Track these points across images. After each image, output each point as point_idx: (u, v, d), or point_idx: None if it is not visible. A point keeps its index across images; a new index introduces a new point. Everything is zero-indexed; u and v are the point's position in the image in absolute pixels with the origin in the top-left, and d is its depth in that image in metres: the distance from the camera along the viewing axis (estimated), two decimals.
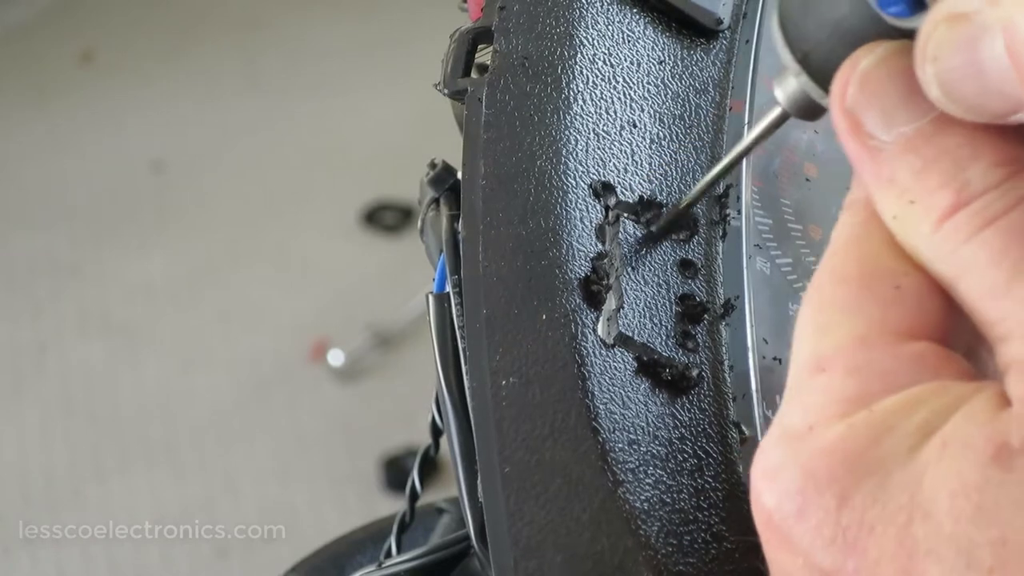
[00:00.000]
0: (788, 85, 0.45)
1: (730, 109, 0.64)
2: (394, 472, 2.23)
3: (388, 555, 0.68)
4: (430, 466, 0.69)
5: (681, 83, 0.63)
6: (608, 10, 0.62)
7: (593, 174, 0.58)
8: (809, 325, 0.40)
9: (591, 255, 0.56)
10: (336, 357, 2.43)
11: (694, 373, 0.55)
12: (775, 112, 0.49)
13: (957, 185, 0.37)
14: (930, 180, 0.38)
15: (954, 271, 0.37)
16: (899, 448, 0.36)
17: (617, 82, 0.61)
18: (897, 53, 0.39)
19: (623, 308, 0.55)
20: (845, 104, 0.40)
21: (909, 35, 0.39)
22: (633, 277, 0.56)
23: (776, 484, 0.38)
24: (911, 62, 0.39)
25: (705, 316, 0.57)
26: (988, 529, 0.34)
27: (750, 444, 0.55)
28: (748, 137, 0.52)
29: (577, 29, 0.61)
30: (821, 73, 0.42)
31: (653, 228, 0.58)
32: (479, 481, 0.53)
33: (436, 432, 0.64)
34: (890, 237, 0.39)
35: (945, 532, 0.34)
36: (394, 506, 0.75)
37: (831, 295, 0.40)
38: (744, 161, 0.62)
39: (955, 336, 0.39)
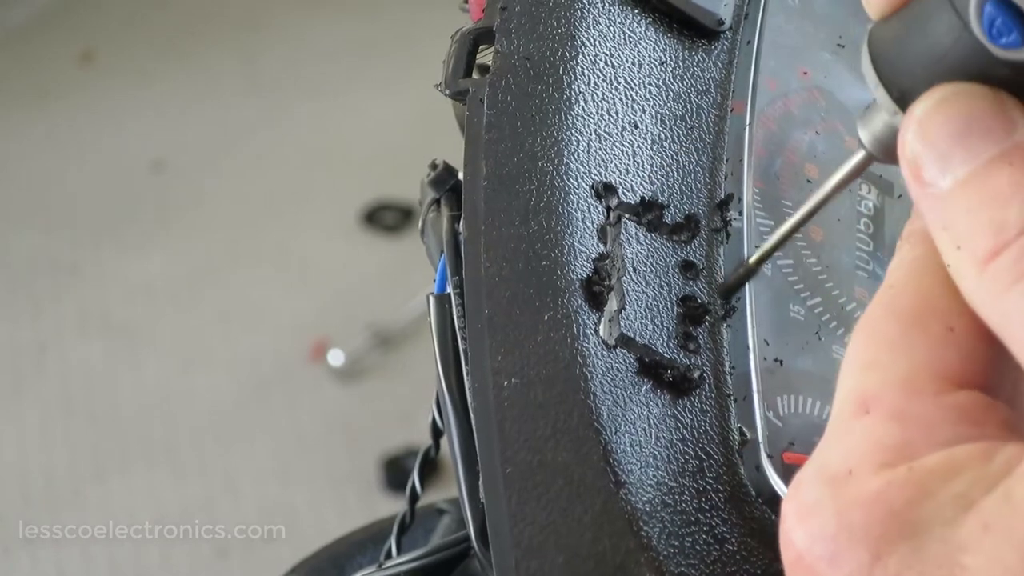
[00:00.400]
0: (875, 125, 0.43)
1: (731, 110, 0.64)
2: (394, 472, 2.23)
3: (388, 556, 0.68)
4: (430, 467, 0.69)
5: (682, 84, 0.63)
6: (609, 11, 0.62)
7: (595, 175, 0.58)
8: (857, 359, 0.39)
9: (593, 256, 0.56)
10: (336, 357, 2.43)
11: (695, 375, 0.55)
12: (858, 157, 0.47)
13: (996, 226, 0.36)
14: (973, 222, 0.37)
15: (1000, 319, 0.37)
16: (937, 517, 0.36)
17: (619, 83, 0.61)
18: (955, 93, 0.39)
19: (625, 309, 0.55)
20: (906, 153, 0.39)
21: (1021, 70, 0.38)
22: (635, 278, 0.56)
23: (810, 525, 0.37)
24: (973, 102, 0.38)
25: (707, 317, 0.57)
26: None
27: (751, 446, 0.55)
28: (828, 185, 0.50)
29: (579, 30, 0.61)
30: None
31: (715, 293, 0.57)
32: (480, 482, 0.53)
33: (436, 433, 0.64)
34: (947, 276, 0.39)
35: None
36: (394, 506, 0.75)
37: (882, 330, 0.39)
38: (746, 163, 0.62)
39: (1002, 381, 0.38)
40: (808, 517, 0.38)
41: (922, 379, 0.38)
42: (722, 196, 0.61)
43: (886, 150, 0.43)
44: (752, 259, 0.57)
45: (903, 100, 0.41)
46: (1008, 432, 0.37)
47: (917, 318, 0.39)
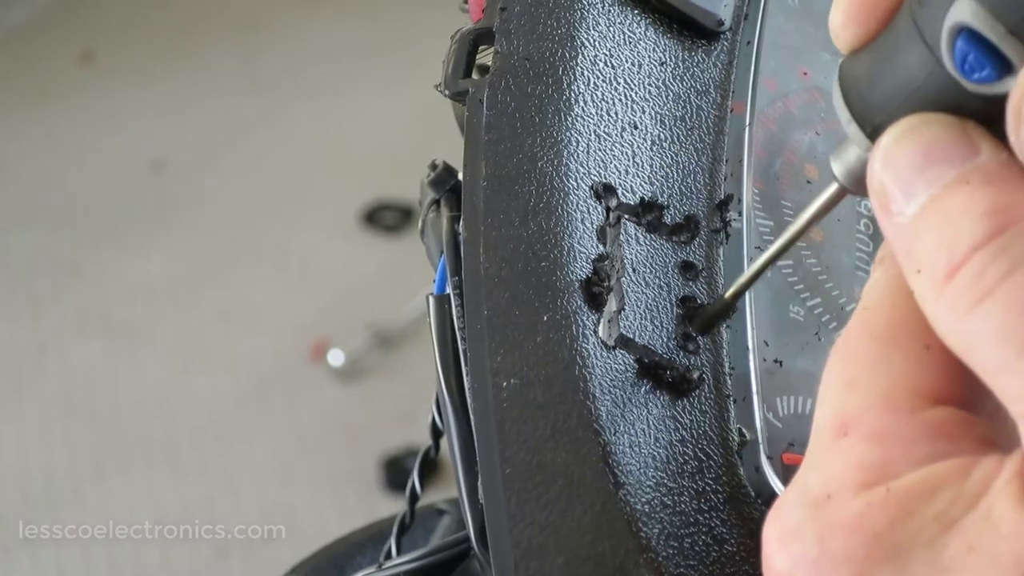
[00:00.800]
0: (848, 158, 0.43)
1: (731, 111, 0.64)
2: (394, 472, 2.23)
3: (388, 556, 0.68)
4: (430, 467, 0.69)
5: (682, 85, 0.63)
6: (609, 11, 0.62)
7: (594, 176, 0.58)
8: (834, 381, 0.39)
9: (592, 257, 0.56)
10: (336, 357, 2.43)
11: (695, 375, 0.55)
12: (831, 189, 0.47)
13: (947, 245, 0.36)
14: (930, 245, 0.37)
15: (964, 345, 0.36)
16: (919, 538, 0.36)
17: (618, 83, 0.61)
18: (917, 124, 0.39)
19: (624, 310, 0.55)
20: (873, 186, 0.39)
21: (993, 101, 0.37)
22: (634, 279, 0.56)
23: (791, 549, 0.37)
24: (932, 130, 0.38)
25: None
26: None
27: (751, 447, 0.55)
28: (803, 217, 0.50)
29: (578, 30, 0.60)
30: None
31: (691, 328, 0.56)
32: (480, 482, 0.53)
33: (436, 433, 0.64)
34: None
35: None
36: (394, 506, 0.75)
37: (859, 350, 0.39)
38: (745, 163, 0.62)
39: (978, 396, 0.38)
40: (790, 541, 0.38)
41: (899, 397, 0.38)
42: (722, 196, 0.61)
43: (859, 184, 0.43)
44: (728, 294, 0.56)
45: (876, 135, 0.41)
46: (985, 446, 0.37)
47: (893, 337, 0.39)
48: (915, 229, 0.38)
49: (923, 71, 0.39)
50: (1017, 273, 0.35)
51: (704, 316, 0.57)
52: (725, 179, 0.61)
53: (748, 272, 0.55)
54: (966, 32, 0.37)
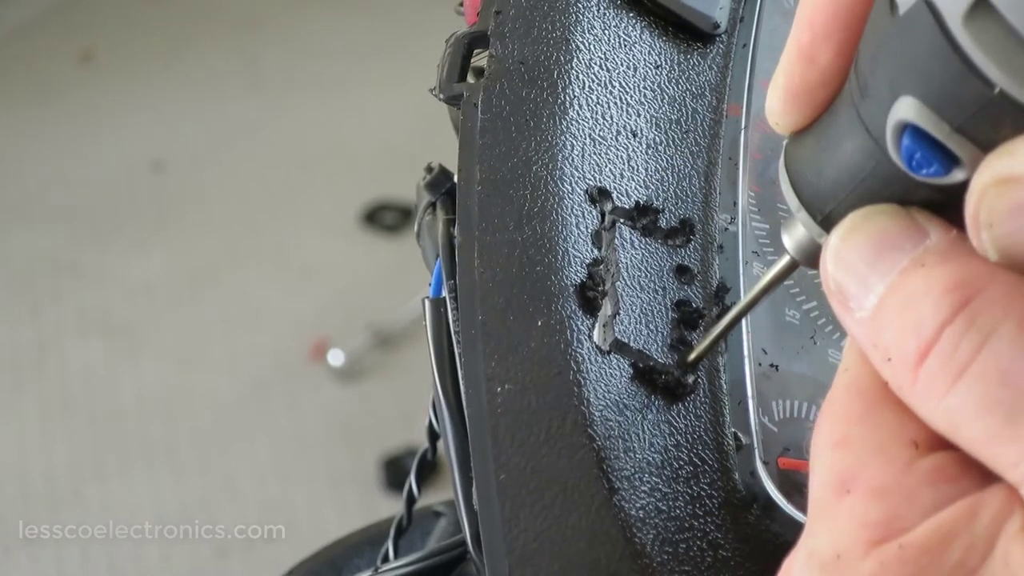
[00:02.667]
0: (796, 232, 0.44)
1: (727, 114, 0.63)
2: (394, 472, 2.23)
3: (385, 559, 0.68)
4: (428, 469, 0.69)
5: (678, 87, 0.63)
6: (604, 14, 0.62)
7: (589, 179, 0.57)
8: (826, 440, 0.39)
9: (587, 261, 0.55)
10: (336, 357, 2.43)
11: (690, 380, 0.55)
12: (783, 261, 0.47)
13: (913, 325, 0.36)
14: (895, 331, 0.37)
15: (948, 424, 0.36)
16: None
17: (613, 87, 0.60)
18: (863, 218, 0.39)
19: (619, 314, 0.55)
20: (830, 287, 0.39)
21: (942, 188, 0.37)
22: (629, 283, 0.56)
23: None
24: (879, 221, 0.38)
25: (701, 322, 0.57)
26: None
27: (746, 451, 0.55)
28: (757, 287, 0.51)
29: (573, 34, 0.60)
30: None
31: (666, 381, 0.56)
32: (474, 488, 0.53)
33: (433, 436, 0.64)
34: None
35: None
36: (394, 506, 0.75)
37: (846, 409, 0.39)
38: (741, 167, 0.62)
39: None
40: None
41: (894, 449, 0.38)
42: (717, 199, 0.61)
43: (810, 259, 0.44)
44: (690, 358, 0.56)
45: (827, 223, 0.41)
46: (986, 479, 0.37)
47: (879, 393, 0.39)
48: (878, 320, 0.38)
49: (870, 161, 0.39)
50: (990, 343, 0.35)
51: (670, 380, 0.56)
52: (720, 186, 0.61)
53: (708, 338, 0.56)
54: (911, 129, 0.37)
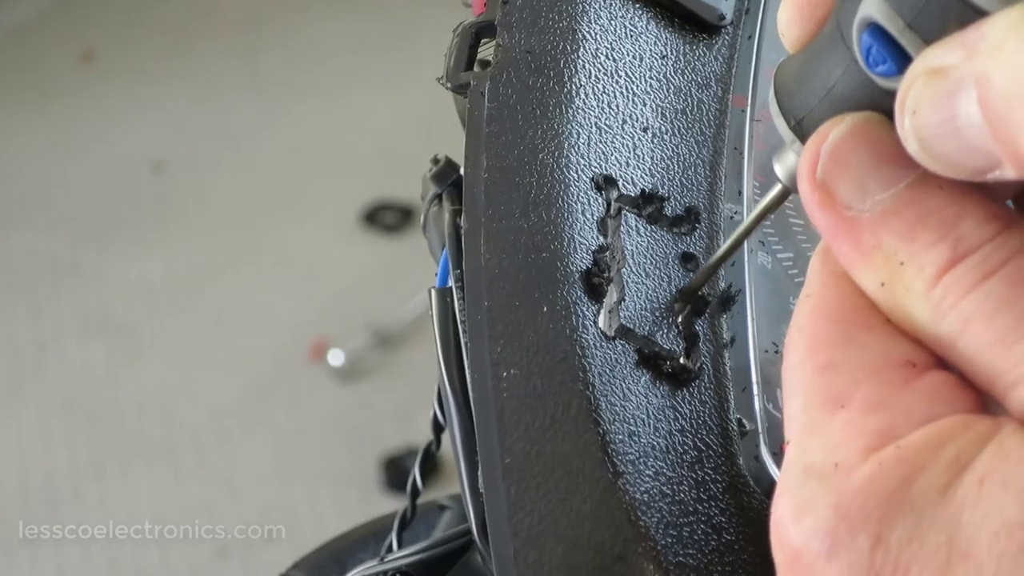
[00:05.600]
0: (787, 160, 0.45)
1: (732, 104, 0.64)
2: (394, 472, 2.24)
3: (389, 551, 0.68)
4: (431, 463, 0.69)
5: (683, 78, 0.63)
6: (611, 5, 0.62)
7: (595, 168, 0.58)
8: (805, 364, 0.39)
9: (592, 248, 0.56)
10: (336, 357, 2.43)
11: (695, 366, 0.55)
12: (775, 189, 0.48)
13: (951, 240, 0.37)
14: (921, 239, 0.38)
15: (956, 327, 0.37)
16: (932, 486, 0.36)
17: (619, 76, 0.61)
18: (865, 123, 0.39)
19: (624, 301, 0.55)
20: (816, 177, 0.39)
21: None
22: (634, 270, 0.56)
23: (805, 523, 0.37)
24: (880, 131, 0.39)
25: (706, 309, 0.57)
26: None
27: (750, 437, 0.55)
28: (750, 217, 0.52)
29: (580, 23, 0.61)
30: None
31: (676, 305, 0.57)
32: (480, 473, 0.53)
33: (438, 428, 0.64)
34: None
35: (987, 572, 0.34)
36: (394, 506, 0.75)
37: (823, 334, 0.40)
38: (746, 157, 0.62)
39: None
40: (801, 515, 0.37)
41: (887, 370, 0.38)
42: (723, 188, 0.61)
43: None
44: (684, 287, 0.57)
45: (799, 129, 0.42)
46: (981, 408, 0.37)
47: (853, 318, 0.39)
48: (886, 225, 0.38)
49: (840, 67, 0.40)
50: (1019, 257, 0.36)
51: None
52: (726, 174, 0.62)
53: (703, 271, 0.57)
54: (872, 26, 0.38)
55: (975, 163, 0.36)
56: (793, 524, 0.38)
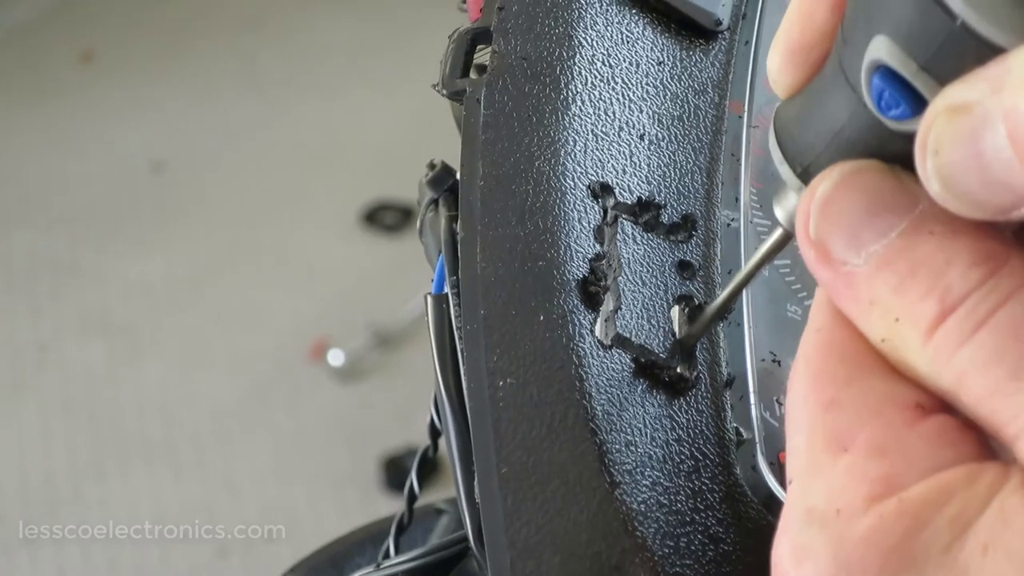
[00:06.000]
0: (789, 203, 0.44)
1: (729, 110, 0.63)
2: (394, 472, 2.23)
3: (386, 556, 0.68)
4: (429, 467, 0.69)
5: (680, 84, 0.63)
6: (607, 11, 0.62)
7: (591, 175, 0.58)
8: (810, 400, 0.39)
9: (589, 256, 0.56)
10: (336, 357, 2.43)
11: (691, 375, 0.55)
12: (776, 234, 0.47)
13: (939, 293, 0.37)
14: (910, 293, 0.37)
15: (953, 379, 0.37)
16: (934, 544, 0.36)
17: (616, 83, 0.60)
18: (855, 172, 0.39)
19: (621, 309, 0.55)
20: (809, 234, 0.39)
21: (912, 139, 0.37)
22: (631, 278, 0.56)
23: (805, 568, 0.37)
24: (872, 177, 0.38)
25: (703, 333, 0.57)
26: None
27: (747, 446, 0.55)
28: (751, 262, 0.51)
29: (576, 30, 0.60)
30: None
31: (679, 336, 0.57)
32: (476, 482, 0.53)
33: (435, 433, 0.64)
34: None
35: None
36: (394, 506, 0.75)
37: (829, 371, 0.39)
38: (743, 163, 0.62)
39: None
40: (804, 560, 0.37)
41: (891, 412, 0.38)
42: (720, 195, 0.61)
43: None
44: (683, 334, 0.56)
45: (805, 176, 0.41)
46: (985, 453, 0.37)
47: (862, 357, 0.39)
48: (879, 279, 0.38)
49: (847, 111, 0.39)
50: (1009, 304, 0.36)
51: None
52: (723, 180, 0.61)
53: (702, 319, 0.56)
54: (882, 69, 0.37)
55: (1000, 200, 0.35)
56: (793, 568, 0.38)
